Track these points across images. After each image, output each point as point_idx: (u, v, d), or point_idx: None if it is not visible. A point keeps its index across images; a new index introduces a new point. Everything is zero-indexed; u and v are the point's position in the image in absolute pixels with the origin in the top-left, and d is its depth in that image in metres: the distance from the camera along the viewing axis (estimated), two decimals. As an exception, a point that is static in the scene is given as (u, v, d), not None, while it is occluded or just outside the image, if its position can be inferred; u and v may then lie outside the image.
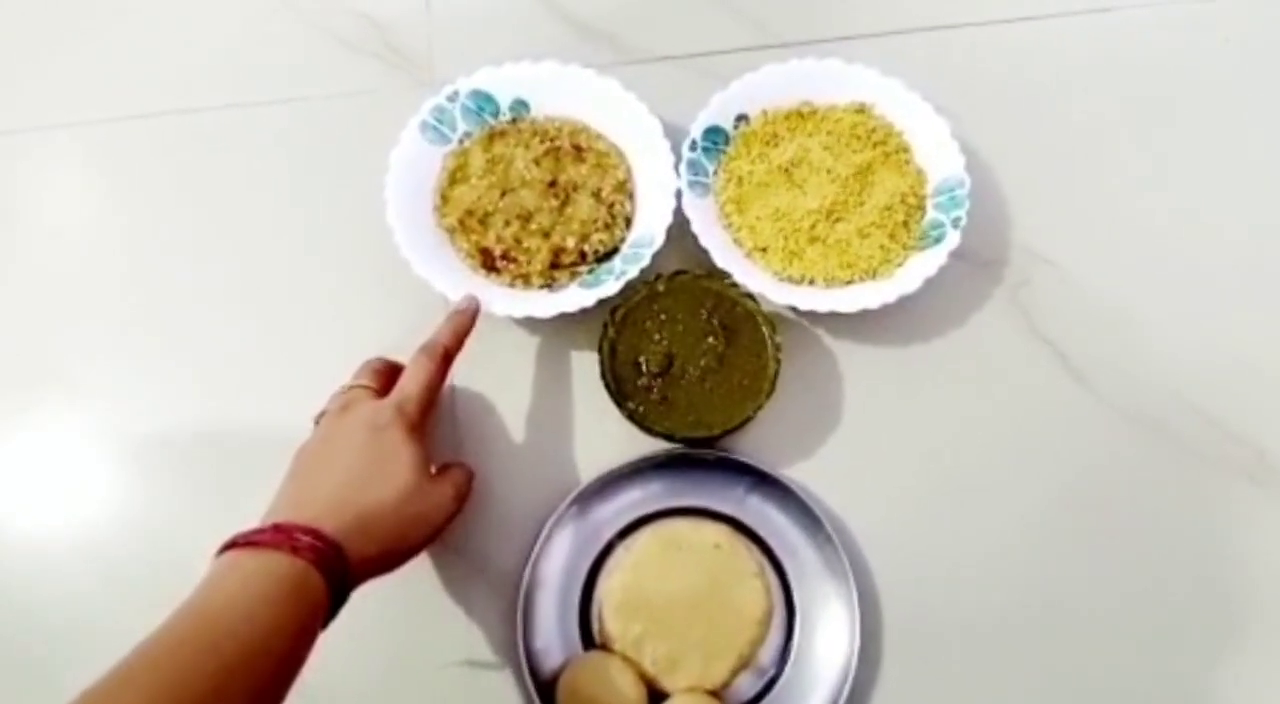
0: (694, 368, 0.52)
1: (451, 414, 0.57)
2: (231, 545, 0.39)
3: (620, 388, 0.52)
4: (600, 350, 0.52)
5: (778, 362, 0.52)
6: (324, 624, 0.39)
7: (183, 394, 0.58)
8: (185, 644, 0.34)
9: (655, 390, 0.52)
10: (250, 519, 0.42)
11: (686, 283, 0.54)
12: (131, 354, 0.59)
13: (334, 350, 0.54)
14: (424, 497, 0.44)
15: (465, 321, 0.51)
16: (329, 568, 0.38)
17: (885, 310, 0.53)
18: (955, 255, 0.54)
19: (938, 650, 0.52)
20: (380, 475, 0.43)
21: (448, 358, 0.49)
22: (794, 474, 0.54)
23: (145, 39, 0.66)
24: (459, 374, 0.56)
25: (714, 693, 0.50)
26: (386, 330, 0.56)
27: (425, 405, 0.47)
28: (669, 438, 0.53)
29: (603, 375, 0.52)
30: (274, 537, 0.38)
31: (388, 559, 0.43)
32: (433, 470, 0.47)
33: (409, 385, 0.47)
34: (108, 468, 0.57)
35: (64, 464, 0.57)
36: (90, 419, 0.58)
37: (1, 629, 0.54)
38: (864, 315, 0.54)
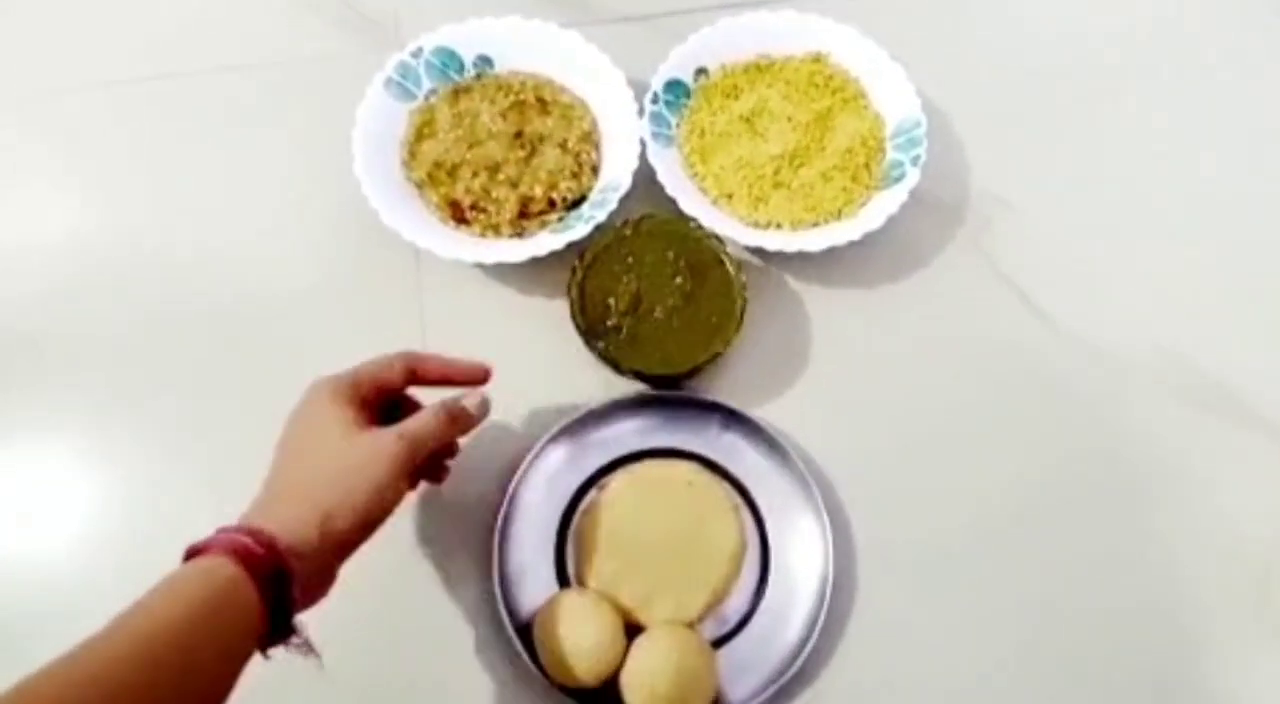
0: (662, 307, 0.53)
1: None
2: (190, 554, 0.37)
3: (590, 328, 0.52)
4: (569, 292, 0.53)
5: (744, 299, 0.53)
6: (268, 640, 0.37)
7: (161, 364, 0.57)
8: (119, 652, 0.33)
9: (624, 330, 0.53)
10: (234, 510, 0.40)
11: (653, 225, 0.54)
12: (101, 324, 0.58)
13: (309, 306, 0.57)
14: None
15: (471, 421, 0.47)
16: (260, 572, 0.36)
17: (849, 252, 0.54)
18: (916, 199, 0.55)
19: (910, 573, 0.52)
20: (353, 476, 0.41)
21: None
22: (764, 412, 0.54)
23: (109, 7, 0.66)
24: (432, 324, 0.57)
25: (689, 626, 0.50)
26: (360, 282, 0.58)
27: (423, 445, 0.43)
28: (639, 376, 0.53)
29: (573, 316, 0.52)
30: (217, 538, 0.37)
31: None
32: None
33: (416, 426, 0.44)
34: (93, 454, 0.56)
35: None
36: (62, 387, 0.57)
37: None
38: (830, 258, 0.55)
